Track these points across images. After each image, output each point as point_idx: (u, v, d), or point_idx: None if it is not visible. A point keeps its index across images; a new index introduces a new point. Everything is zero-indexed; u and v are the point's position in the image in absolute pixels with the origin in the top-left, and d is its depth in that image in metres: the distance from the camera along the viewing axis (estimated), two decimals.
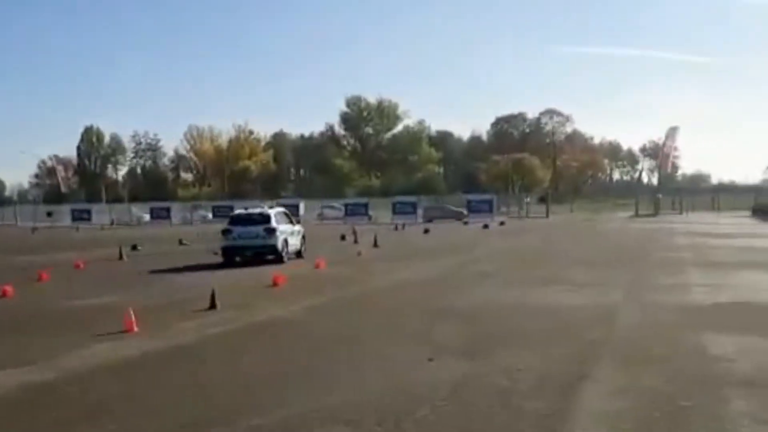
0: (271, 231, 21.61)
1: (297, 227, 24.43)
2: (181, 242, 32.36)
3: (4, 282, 15.59)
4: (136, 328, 10.27)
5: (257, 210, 24.81)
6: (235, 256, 21.74)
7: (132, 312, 10.40)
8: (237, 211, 26.27)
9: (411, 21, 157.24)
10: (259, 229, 21.71)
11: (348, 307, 12.45)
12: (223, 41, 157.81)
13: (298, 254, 23.24)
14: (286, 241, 22.23)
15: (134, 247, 28.74)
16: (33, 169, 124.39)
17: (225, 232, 22.30)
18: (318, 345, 9.22)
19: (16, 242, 39.43)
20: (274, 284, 15.41)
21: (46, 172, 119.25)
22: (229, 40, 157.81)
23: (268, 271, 17.03)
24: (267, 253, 21.66)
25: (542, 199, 73.16)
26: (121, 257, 24.25)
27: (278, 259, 21.45)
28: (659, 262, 19.99)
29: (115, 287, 16.13)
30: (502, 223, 49.62)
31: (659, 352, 8.36)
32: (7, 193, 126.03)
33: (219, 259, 21.66)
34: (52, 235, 47.74)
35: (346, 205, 65.17)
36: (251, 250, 21.66)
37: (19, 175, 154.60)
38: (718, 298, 12.69)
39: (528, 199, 74.22)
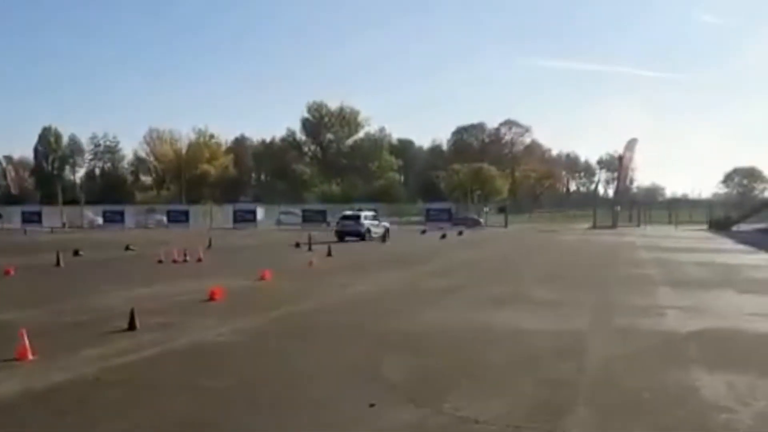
0: (360, 223, 40.39)
1: (383, 223, 43.42)
2: (128, 248, 30.55)
3: None
4: (30, 356, 8.71)
5: (355, 212, 42.99)
6: (344, 236, 39.60)
7: (26, 336, 8.82)
8: (344, 212, 44.65)
9: (374, 30, 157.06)
10: (354, 221, 40.88)
11: (284, 331, 10.92)
12: (186, 45, 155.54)
13: (383, 239, 39.10)
14: (369, 229, 40.35)
15: (76, 253, 26.97)
16: None
17: (338, 223, 42.47)
18: (239, 383, 7.72)
19: None
20: (211, 299, 13.93)
21: (1, 173, 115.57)
22: (191, 44, 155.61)
23: (209, 284, 15.43)
24: (357, 235, 39.36)
25: (501, 209, 72.28)
26: (58, 264, 22.48)
27: (362, 238, 38.87)
28: (625, 279, 18.89)
29: (34, 300, 14.43)
30: (460, 233, 48.57)
31: (643, 397, 7.07)
32: None
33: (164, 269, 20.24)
34: None
35: (304, 212, 63.69)
36: (350, 234, 39.47)
37: None
38: (697, 324, 11.49)
39: (487, 209, 73.33)
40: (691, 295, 15.28)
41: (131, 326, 10.72)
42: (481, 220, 68.05)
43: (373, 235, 39.75)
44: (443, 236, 43.03)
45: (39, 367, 8.34)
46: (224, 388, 7.45)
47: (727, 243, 38.12)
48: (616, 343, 9.96)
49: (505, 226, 63.98)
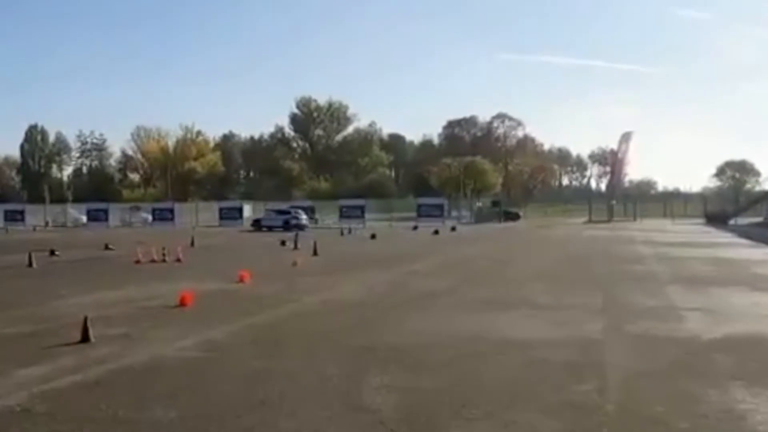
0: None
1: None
2: (107, 247, 29.18)
3: None
4: None
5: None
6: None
7: None
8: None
9: (363, 23, 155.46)
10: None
11: (256, 343, 9.59)
12: (173, 42, 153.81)
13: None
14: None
15: (52, 253, 25.58)
16: None
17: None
18: (191, 415, 6.41)
19: None
20: (180, 305, 12.63)
21: None
22: (179, 41, 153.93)
23: (181, 288, 14.11)
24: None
25: (494, 204, 71.13)
26: (30, 264, 21.13)
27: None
28: (630, 277, 17.66)
29: None
30: (453, 229, 47.21)
31: (682, 429, 5.83)
32: None
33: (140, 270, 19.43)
34: None
35: (291, 208, 62.07)
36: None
37: None
38: (720, 329, 10.28)
39: (480, 204, 72.08)
40: (704, 294, 14.15)
41: (84, 338, 9.45)
42: (521, 213, 68.69)
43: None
44: (435, 232, 41.76)
45: None
46: (169, 422, 6.16)
47: (727, 237, 37.00)
48: (635, 355, 8.72)
49: (499, 221, 62.82)
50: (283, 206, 57.95)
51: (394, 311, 12.27)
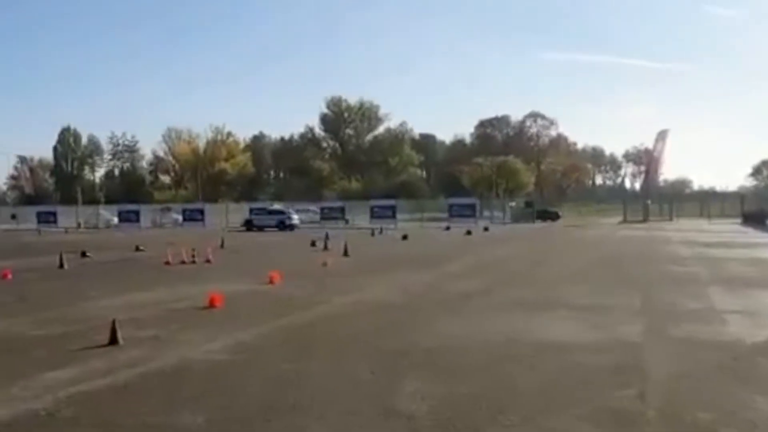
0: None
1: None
2: (137, 249, 29.30)
3: None
4: None
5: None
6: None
7: None
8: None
9: (395, 22, 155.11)
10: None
11: (286, 346, 9.41)
12: (203, 43, 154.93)
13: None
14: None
15: (84, 254, 25.71)
16: (11, 171, 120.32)
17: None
18: (219, 419, 6.26)
19: None
20: (210, 306, 12.50)
21: (18, 173, 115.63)
22: (208, 42, 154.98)
23: (211, 289, 14.01)
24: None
25: (527, 204, 70.42)
26: (61, 266, 21.23)
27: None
28: (669, 278, 17.21)
29: (18, 308, 13.13)
30: (485, 229, 46.76)
31: None
32: None
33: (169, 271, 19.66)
34: (9, 238, 44.55)
35: (322, 209, 62.09)
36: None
37: None
38: (764, 332, 9.89)
39: (512, 204, 71.42)
40: (745, 296, 13.70)
41: (113, 341, 9.34)
42: (560, 212, 68.54)
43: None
44: (468, 233, 41.35)
45: None
46: (197, 427, 6.00)
47: (765, 237, 36.08)
48: (677, 359, 8.38)
49: (532, 221, 62.20)
50: (275, 207, 59.36)
51: (427, 313, 12.01)
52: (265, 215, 54.57)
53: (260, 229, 50.46)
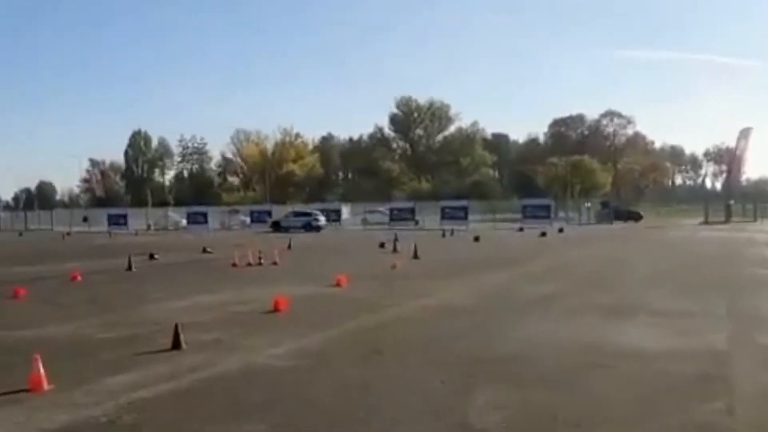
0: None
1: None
2: (205, 250, 29.58)
3: None
4: (46, 385, 7.23)
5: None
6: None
7: (40, 362, 7.32)
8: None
9: (466, 21, 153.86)
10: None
11: (352, 352, 9.04)
12: (271, 45, 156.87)
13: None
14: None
15: (152, 256, 26.05)
16: (83, 173, 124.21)
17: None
18: (288, 428, 5.96)
19: (37, 248, 37.25)
20: (275, 309, 12.28)
21: (90, 176, 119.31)
22: (276, 44, 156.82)
23: (276, 292, 13.81)
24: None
25: (604, 205, 68.55)
26: (129, 268, 21.50)
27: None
28: (755, 281, 16.28)
29: (86, 310, 13.19)
30: (560, 231, 45.54)
31: None
32: (58, 196, 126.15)
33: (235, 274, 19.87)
34: (81, 240, 45.79)
35: (391, 210, 61.71)
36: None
37: (71, 179, 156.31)
38: None
39: (588, 204, 69.63)
40: None
41: (175, 345, 9.17)
42: (642, 212, 66.55)
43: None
44: (542, 234, 40.36)
45: (48, 402, 6.84)
46: None
47: None
48: (767, 369, 7.69)
49: (610, 222, 60.48)
50: (303, 209, 61.66)
51: (501, 318, 11.50)
52: (293, 217, 55.74)
53: (287, 230, 50.90)
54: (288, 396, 6.99)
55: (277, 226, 53.48)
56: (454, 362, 8.31)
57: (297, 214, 56.67)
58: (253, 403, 6.75)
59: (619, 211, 65.59)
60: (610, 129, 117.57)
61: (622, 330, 10.19)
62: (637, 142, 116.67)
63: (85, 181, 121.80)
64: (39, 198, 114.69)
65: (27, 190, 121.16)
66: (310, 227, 52.55)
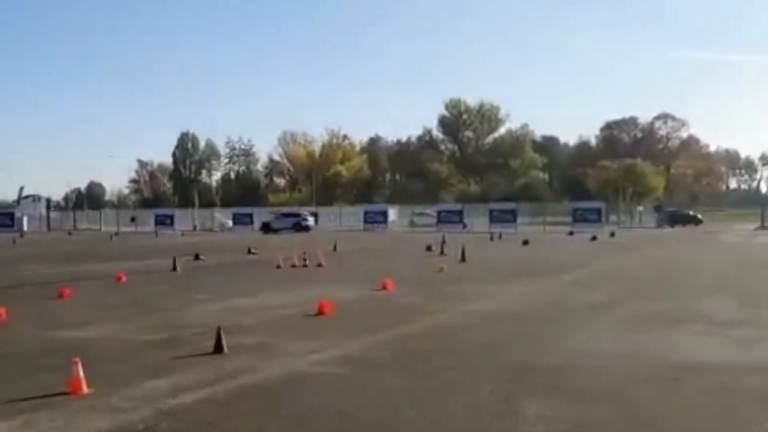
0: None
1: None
2: (249, 251, 29.65)
3: (21, 300, 14.64)
4: (85, 388, 7.10)
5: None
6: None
7: (80, 365, 7.19)
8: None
9: (516, 21, 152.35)
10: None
11: (400, 359, 8.74)
12: (320, 46, 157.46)
13: None
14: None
15: (197, 257, 26.18)
16: (131, 174, 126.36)
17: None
18: None
19: (85, 248, 37.94)
20: (319, 313, 12.05)
21: (138, 177, 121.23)
22: (325, 45, 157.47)
23: (321, 294, 13.62)
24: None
25: (657, 208, 66.95)
26: (174, 268, 21.59)
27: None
28: None
29: (130, 311, 13.20)
30: (612, 235, 44.48)
31: None
32: (107, 197, 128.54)
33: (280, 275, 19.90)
34: (128, 240, 46.46)
35: (439, 212, 61.34)
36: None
37: (120, 180, 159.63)
38: None
39: (641, 208, 68.11)
40: None
41: (217, 349, 8.98)
42: (700, 216, 64.36)
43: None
44: (593, 238, 39.50)
45: (86, 406, 6.69)
46: None
47: None
48: None
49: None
50: (290, 210, 65.52)
51: (552, 326, 11.08)
52: (282, 218, 57.62)
53: (276, 231, 52.33)
54: (332, 406, 6.73)
55: (267, 228, 54.90)
56: (503, 371, 7.98)
57: (286, 216, 58.97)
58: (295, 413, 6.51)
59: (677, 214, 63.82)
60: (664, 132, 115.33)
61: (679, 341, 9.71)
62: (691, 145, 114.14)
63: (134, 181, 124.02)
64: (88, 198, 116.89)
65: (77, 191, 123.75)
66: (300, 227, 54.90)
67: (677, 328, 10.69)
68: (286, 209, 67.37)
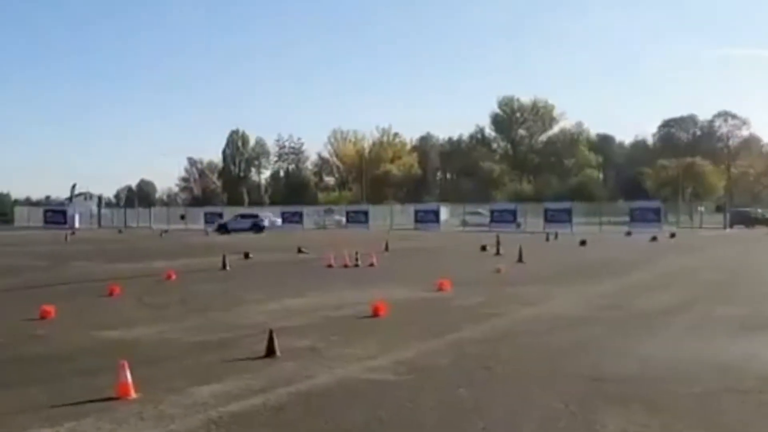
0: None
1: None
2: (300, 250, 29.34)
3: (70, 297, 14.57)
4: (133, 393, 6.79)
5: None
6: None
7: (127, 369, 6.87)
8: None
9: (571, 19, 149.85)
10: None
11: (460, 365, 8.23)
12: (369, 44, 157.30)
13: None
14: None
15: (246, 255, 26.03)
16: (181, 172, 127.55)
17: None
18: None
19: (135, 245, 38.26)
20: (374, 315, 11.62)
21: (189, 175, 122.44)
22: (375, 43, 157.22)
23: (375, 295, 13.18)
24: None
25: (718, 208, 64.82)
26: (224, 267, 21.40)
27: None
28: None
29: (179, 311, 12.99)
30: (672, 235, 43.07)
31: None
32: (157, 194, 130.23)
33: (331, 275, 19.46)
34: (178, 238, 46.78)
35: (492, 211, 60.57)
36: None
37: (170, 178, 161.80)
38: None
39: (702, 208, 66.08)
40: None
41: (269, 352, 8.60)
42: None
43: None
44: (653, 238, 38.28)
45: (133, 413, 6.34)
46: None
47: None
48: None
49: (725, 227, 57.08)
50: (249, 211, 67.40)
51: (619, 331, 10.43)
52: (240, 219, 58.08)
53: (234, 232, 52.28)
54: (390, 416, 6.26)
55: (223, 228, 55.08)
56: (571, 381, 7.42)
57: (244, 216, 59.70)
58: (353, 423, 6.09)
59: (746, 215, 61.39)
60: (724, 130, 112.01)
61: (757, 349, 8.99)
62: (752, 144, 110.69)
63: (184, 179, 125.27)
64: (139, 196, 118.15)
65: (128, 188, 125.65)
66: (258, 228, 55.28)
67: (757, 335, 9.99)
68: (242, 211, 68.75)
